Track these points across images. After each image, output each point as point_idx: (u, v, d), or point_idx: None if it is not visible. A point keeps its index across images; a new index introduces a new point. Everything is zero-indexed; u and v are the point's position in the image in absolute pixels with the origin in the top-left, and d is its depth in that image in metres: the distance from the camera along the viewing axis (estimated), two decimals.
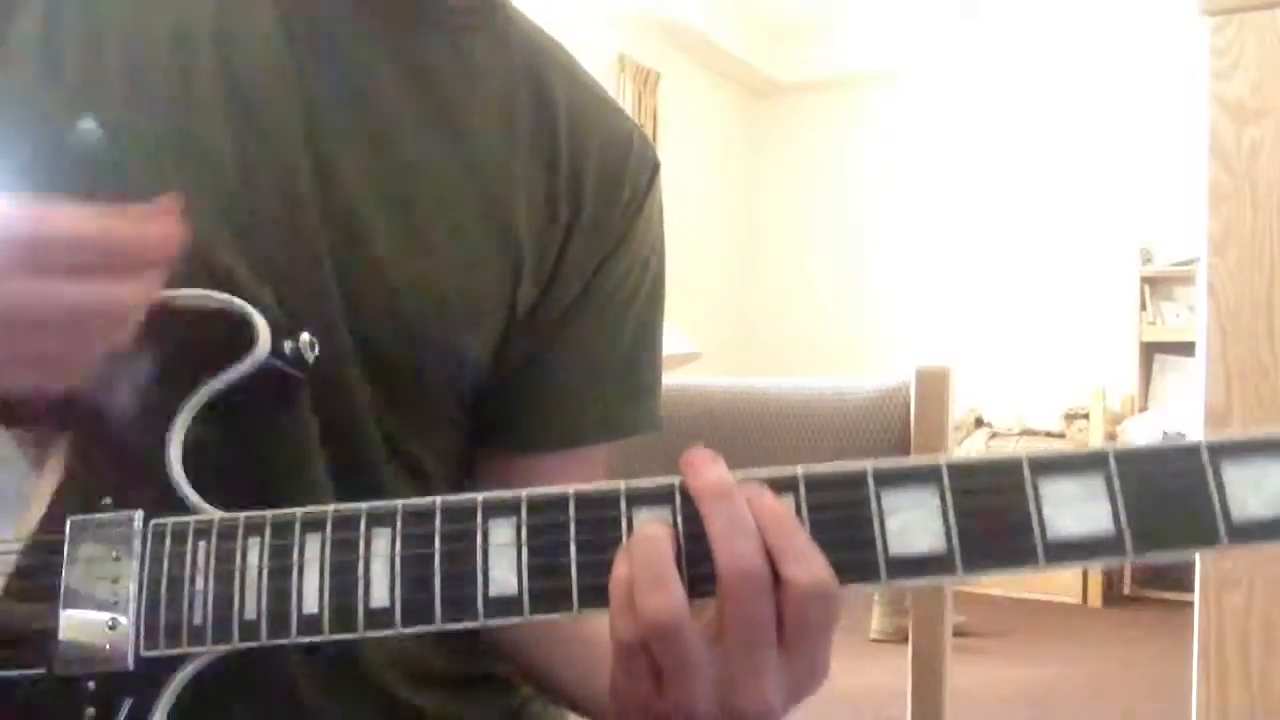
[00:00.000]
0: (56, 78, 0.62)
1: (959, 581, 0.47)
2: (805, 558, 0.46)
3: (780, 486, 0.48)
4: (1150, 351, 5.15)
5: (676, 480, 0.48)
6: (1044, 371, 5.39)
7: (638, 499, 0.48)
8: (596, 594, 0.47)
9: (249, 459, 0.60)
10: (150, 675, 0.51)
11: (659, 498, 0.48)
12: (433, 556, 0.49)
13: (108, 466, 0.54)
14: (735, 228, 6.14)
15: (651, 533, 0.47)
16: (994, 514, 0.46)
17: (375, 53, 0.68)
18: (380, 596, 0.49)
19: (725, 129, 6.06)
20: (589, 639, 0.67)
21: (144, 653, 0.51)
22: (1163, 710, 3.04)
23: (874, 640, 3.82)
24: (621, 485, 0.48)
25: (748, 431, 1.00)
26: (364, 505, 0.50)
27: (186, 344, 0.55)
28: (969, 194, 5.72)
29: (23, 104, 0.62)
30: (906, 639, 0.98)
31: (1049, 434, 4.98)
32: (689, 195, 5.40)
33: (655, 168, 0.78)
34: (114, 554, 0.52)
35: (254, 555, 0.51)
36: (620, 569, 0.46)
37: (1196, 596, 1.26)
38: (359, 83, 0.67)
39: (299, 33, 0.66)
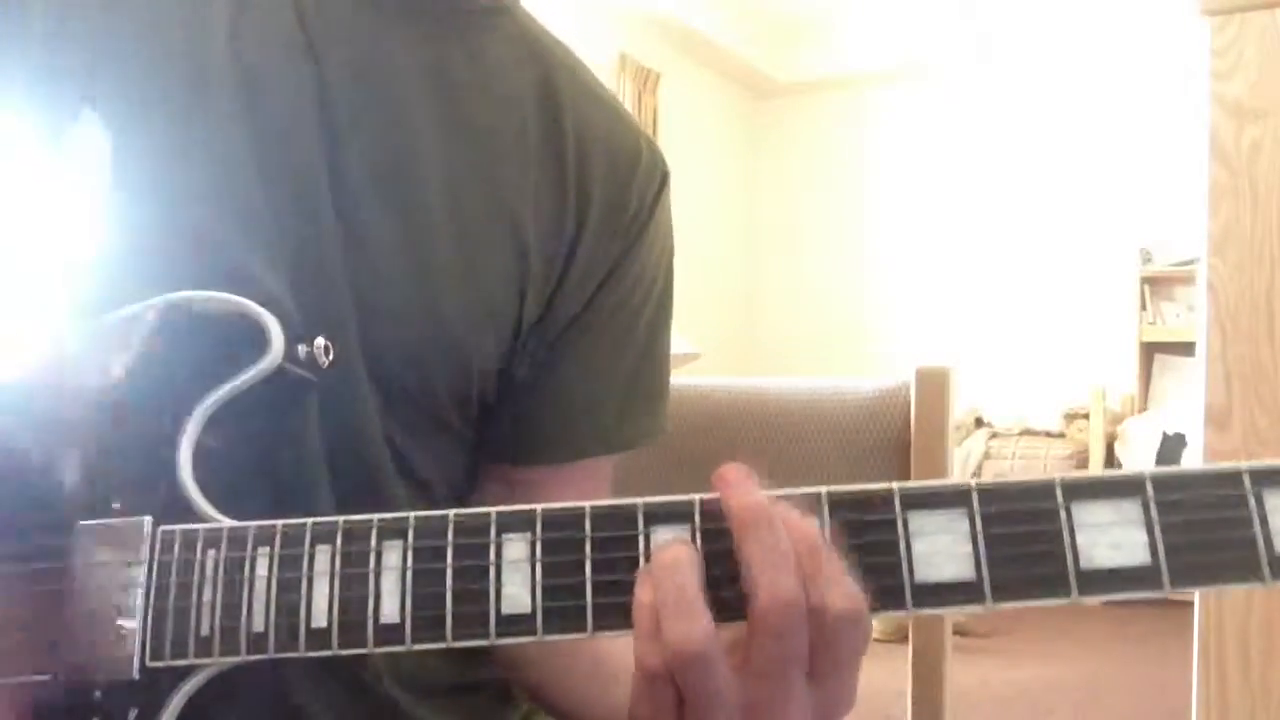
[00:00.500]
0: (64, 74, 0.62)
1: (987, 612, 0.44)
2: (840, 584, 0.44)
3: (804, 507, 0.46)
4: (1150, 351, 5.15)
5: (696, 498, 0.46)
6: (1044, 371, 5.39)
7: (656, 517, 0.46)
8: (612, 614, 0.45)
9: (259, 465, 0.60)
10: (156, 685, 0.50)
11: (677, 516, 0.46)
12: (445, 571, 0.47)
13: (118, 472, 0.54)
14: (735, 228, 6.14)
15: (677, 556, 0.45)
16: (1025, 542, 0.44)
17: (391, 53, 0.67)
18: (390, 611, 0.47)
19: (725, 129, 6.05)
20: (590, 654, 0.67)
21: (150, 663, 0.50)
22: (1163, 710, 3.04)
23: (874, 640, 3.81)
24: (639, 503, 0.46)
25: (748, 431, 1.00)
26: (375, 517, 0.49)
27: (199, 348, 0.55)
28: (969, 194, 5.72)
29: (29, 100, 0.62)
30: (906, 639, 0.98)
31: (1049, 434, 4.98)
32: (689, 195, 5.39)
33: (664, 178, 0.77)
34: (123, 560, 0.51)
35: (263, 566, 0.49)
36: (644, 594, 0.45)
37: (1196, 596, 1.26)
38: (373, 84, 0.66)
39: (315, 34, 0.65)
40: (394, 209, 0.65)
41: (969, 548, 0.44)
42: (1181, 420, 4.45)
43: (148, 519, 0.52)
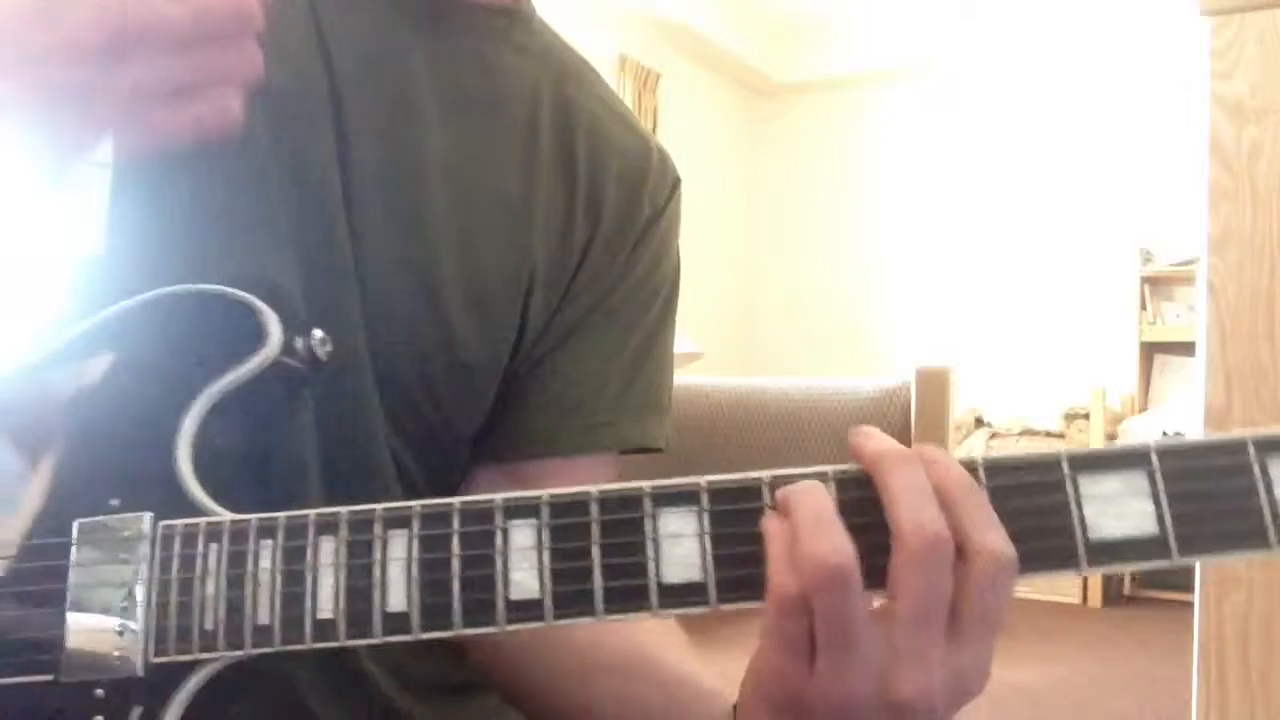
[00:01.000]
0: None
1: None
2: (992, 528, 0.43)
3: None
4: (1150, 351, 5.15)
5: (702, 480, 0.46)
6: (1044, 371, 5.39)
7: (662, 499, 0.46)
8: (621, 597, 0.46)
9: (254, 459, 0.60)
10: (160, 682, 0.49)
11: (684, 498, 0.46)
12: (451, 559, 0.47)
13: (116, 467, 0.53)
14: (735, 228, 6.14)
15: (809, 484, 0.44)
16: (1033, 515, 0.44)
17: (406, 61, 0.67)
18: (397, 601, 0.47)
19: (725, 129, 6.05)
20: (574, 649, 0.66)
21: (154, 659, 0.49)
22: (1163, 710, 3.04)
23: None
24: (645, 486, 0.46)
25: (748, 431, 1.00)
26: (379, 507, 0.49)
27: (196, 342, 0.55)
28: (969, 194, 5.72)
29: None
30: None
31: (1049, 434, 4.98)
32: (689, 195, 5.38)
33: (675, 184, 0.77)
34: (123, 557, 0.51)
35: (266, 558, 0.49)
36: (774, 524, 0.43)
37: (1196, 596, 1.26)
38: (388, 91, 0.66)
39: (332, 40, 0.66)
40: (402, 211, 0.66)
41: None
42: (1181, 420, 4.45)
43: (148, 515, 0.51)
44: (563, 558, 0.46)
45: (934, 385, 0.95)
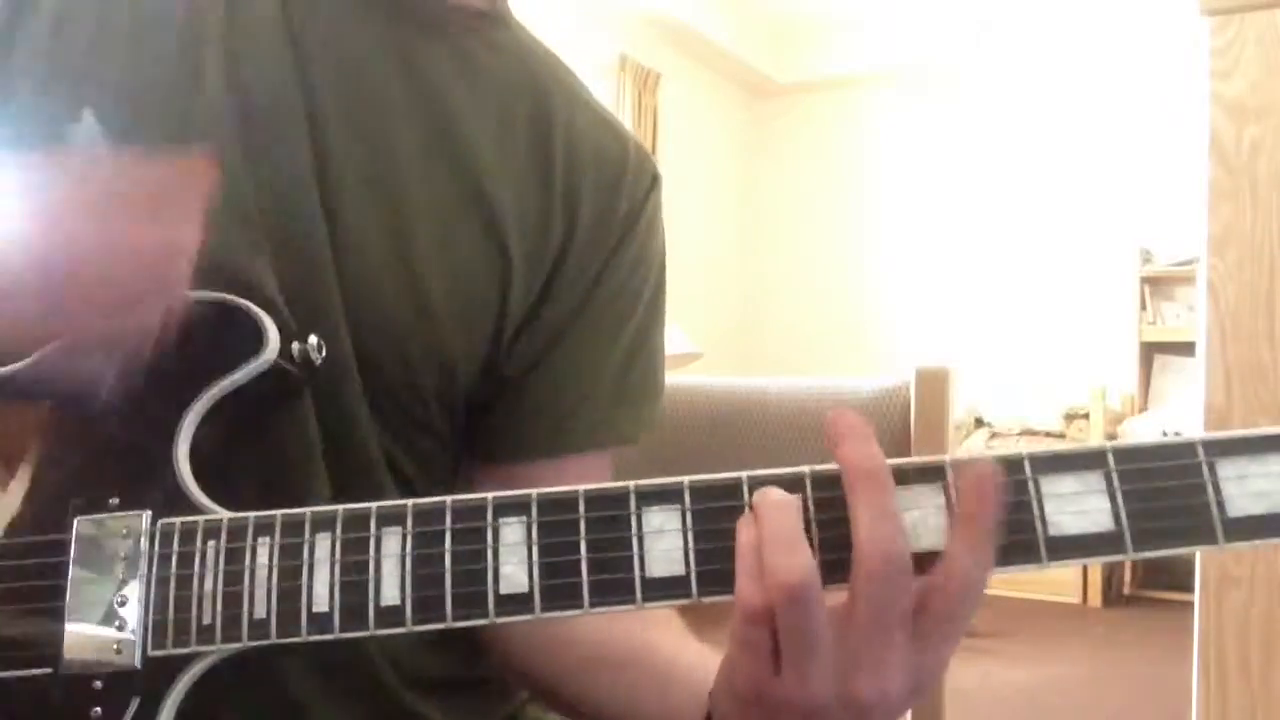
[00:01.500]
0: (61, 81, 0.63)
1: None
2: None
3: (788, 487, 0.47)
4: (1150, 351, 5.15)
5: (685, 480, 0.48)
6: (1044, 371, 5.39)
7: (647, 497, 0.48)
8: (607, 590, 0.48)
9: (254, 460, 0.61)
10: (158, 675, 0.51)
11: (668, 496, 0.48)
12: (443, 555, 0.49)
13: (116, 466, 0.54)
14: (735, 228, 6.14)
15: (780, 499, 0.46)
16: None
17: (379, 61, 0.68)
18: (391, 594, 0.49)
19: (725, 129, 6.05)
20: (589, 641, 0.67)
21: (152, 652, 0.51)
22: (1163, 710, 3.04)
23: None
24: (630, 485, 0.49)
25: (748, 431, 1.00)
26: (374, 505, 0.50)
27: (195, 345, 0.55)
28: (969, 194, 5.72)
29: (28, 107, 0.62)
30: None
31: (1049, 434, 4.98)
32: (689, 195, 5.40)
33: (654, 180, 0.77)
34: (122, 553, 0.52)
35: (264, 554, 0.51)
36: (746, 534, 0.46)
37: (1196, 596, 1.26)
38: (362, 91, 0.67)
39: (305, 41, 0.66)
40: (379, 209, 0.66)
41: (944, 520, 0.47)
42: (1181, 420, 4.45)
43: (146, 513, 0.52)
44: (551, 553, 0.48)
45: (934, 385, 0.95)
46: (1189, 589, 1.27)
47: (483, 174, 0.69)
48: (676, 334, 4.50)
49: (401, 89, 0.68)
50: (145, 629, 0.51)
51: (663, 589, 0.47)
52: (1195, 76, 1.30)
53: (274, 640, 0.50)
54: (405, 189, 0.67)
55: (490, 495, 0.49)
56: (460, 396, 0.70)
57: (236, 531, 0.51)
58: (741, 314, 6.12)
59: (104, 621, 0.51)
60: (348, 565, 0.50)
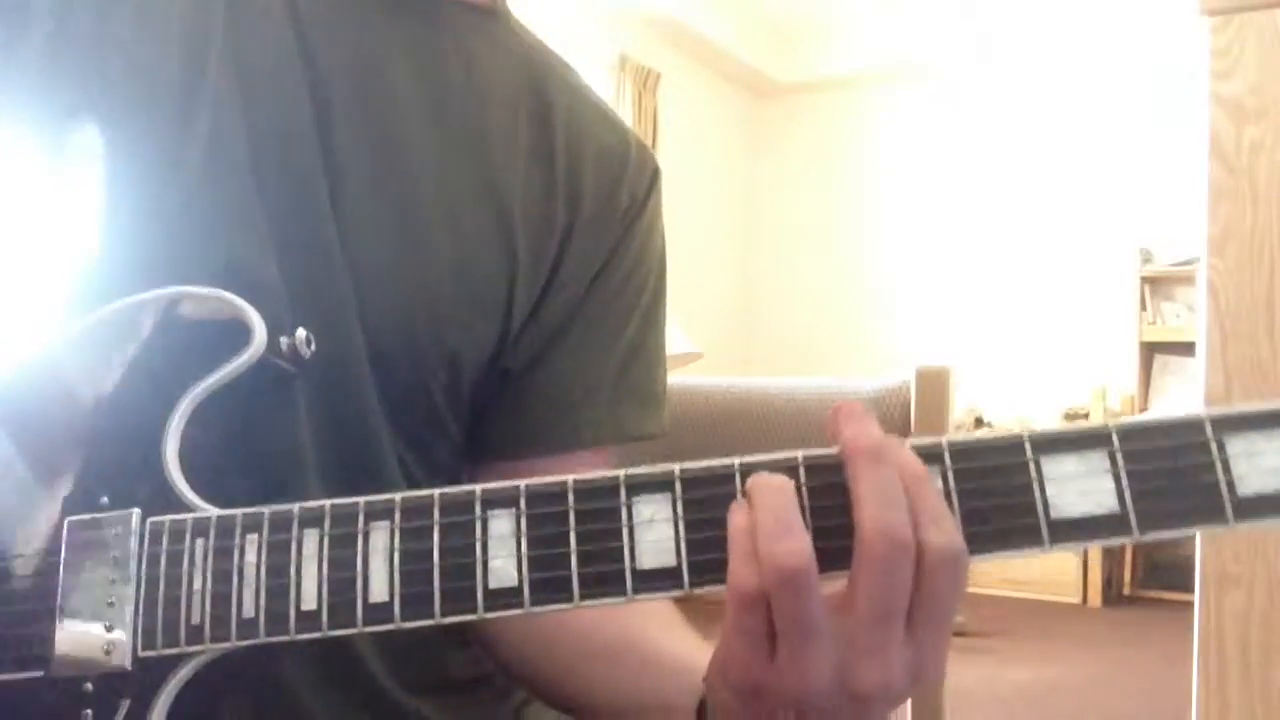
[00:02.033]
0: (64, 74, 0.62)
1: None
2: (941, 521, 0.44)
3: (780, 472, 0.46)
4: (1150, 351, 5.15)
5: (676, 468, 0.47)
6: (1044, 371, 5.39)
7: (637, 487, 0.47)
8: (597, 583, 0.47)
9: (246, 456, 0.60)
10: (148, 675, 0.50)
11: (658, 486, 0.47)
12: (431, 550, 0.48)
13: (105, 466, 0.54)
14: (735, 228, 6.14)
15: (775, 481, 0.45)
16: (998, 495, 0.45)
17: (386, 53, 0.68)
18: (379, 591, 0.48)
19: (725, 129, 6.05)
20: (576, 631, 0.67)
21: (142, 653, 0.50)
22: (1163, 710, 3.04)
23: None
24: (620, 474, 0.48)
25: (748, 431, 1.00)
26: (361, 500, 0.50)
27: (183, 342, 0.55)
28: (969, 194, 5.72)
29: (28, 108, 0.62)
30: None
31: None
32: (689, 195, 5.40)
33: (655, 174, 0.78)
34: (112, 554, 0.52)
35: (252, 552, 0.50)
36: (739, 518, 0.45)
37: (1196, 596, 1.26)
38: (369, 83, 0.67)
39: (309, 29, 0.66)
40: (387, 203, 0.66)
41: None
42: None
43: (136, 511, 0.52)
44: (540, 545, 0.47)
45: (934, 385, 0.95)
46: (1189, 589, 1.27)
47: (490, 167, 0.70)
48: (676, 334, 4.50)
49: (409, 83, 0.68)
50: (135, 630, 0.50)
51: (653, 580, 0.46)
52: (1195, 76, 1.30)
53: (262, 640, 0.49)
54: (414, 182, 0.67)
55: (478, 487, 0.49)
56: (467, 393, 0.70)
57: (225, 529, 0.51)
58: (741, 314, 6.12)
59: (94, 622, 0.51)
60: (335, 561, 0.49)
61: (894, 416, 0.95)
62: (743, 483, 0.46)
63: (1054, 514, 0.45)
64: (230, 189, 0.62)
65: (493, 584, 0.47)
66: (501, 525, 0.48)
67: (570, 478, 0.48)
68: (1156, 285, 5.12)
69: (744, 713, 0.47)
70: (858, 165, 6.03)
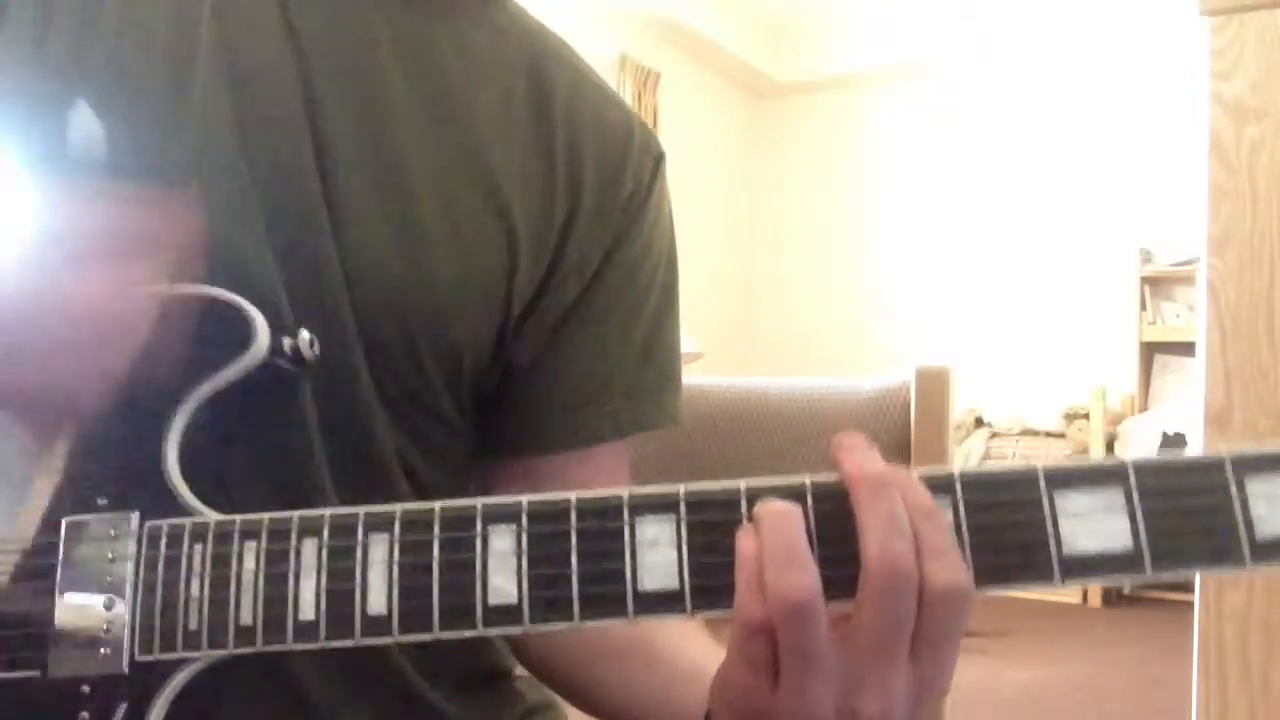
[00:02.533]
0: (48, 64, 0.62)
1: (972, 598, 0.45)
2: (944, 557, 0.44)
3: (787, 497, 0.46)
4: (1150, 351, 5.15)
5: (681, 489, 0.47)
6: (1044, 371, 5.39)
7: (640, 507, 0.47)
8: (599, 604, 0.46)
9: (249, 459, 0.60)
10: (145, 679, 0.50)
11: (662, 506, 0.47)
12: (431, 564, 0.47)
13: (104, 466, 0.54)
14: (735, 228, 6.14)
15: (783, 509, 0.45)
16: (1010, 529, 0.45)
17: (377, 43, 0.67)
18: (378, 603, 0.48)
19: (725, 129, 6.05)
20: (585, 634, 0.67)
21: (139, 656, 0.50)
22: (1163, 710, 3.04)
23: None
24: (624, 493, 0.47)
25: (748, 431, 1.00)
26: (362, 510, 0.49)
27: (185, 342, 0.54)
28: (969, 194, 5.72)
29: (14, 91, 0.62)
30: None
31: (1049, 434, 4.98)
32: (689, 195, 5.40)
33: (659, 158, 0.76)
34: (109, 556, 0.51)
35: (250, 560, 0.50)
36: (748, 545, 0.44)
37: (1196, 596, 1.26)
38: (359, 73, 0.66)
39: (298, 19, 0.65)
40: (381, 194, 0.65)
41: (952, 536, 0.45)
42: (1181, 420, 4.45)
43: (135, 514, 0.52)
44: (541, 564, 0.47)
45: (934, 385, 0.95)
46: (1189, 589, 1.27)
47: (486, 155, 0.69)
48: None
49: (401, 73, 0.67)
50: (132, 633, 0.50)
51: (655, 603, 0.46)
52: (1195, 76, 1.29)
53: (260, 648, 0.49)
54: (408, 173, 0.66)
55: (480, 502, 0.48)
56: (468, 385, 0.69)
57: (222, 535, 0.50)
58: (742, 314, 6.12)
59: (91, 624, 0.50)
60: (334, 572, 0.48)
61: (894, 416, 0.95)
62: (749, 507, 0.46)
63: (1066, 550, 0.44)
64: (221, 186, 0.61)
65: (492, 601, 0.47)
66: (502, 542, 0.47)
67: (573, 495, 0.47)
68: (1156, 285, 5.12)
69: None
70: (858, 165, 6.02)
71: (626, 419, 0.73)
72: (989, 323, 5.60)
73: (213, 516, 0.52)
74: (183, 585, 0.50)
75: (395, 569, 0.48)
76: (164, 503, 0.52)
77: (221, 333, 0.54)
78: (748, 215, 6.25)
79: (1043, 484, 0.45)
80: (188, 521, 0.51)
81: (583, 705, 0.72)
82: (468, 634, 0.47)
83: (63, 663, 0.50)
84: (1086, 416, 4.80)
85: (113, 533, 0.52)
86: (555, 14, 0.80)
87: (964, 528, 0.45)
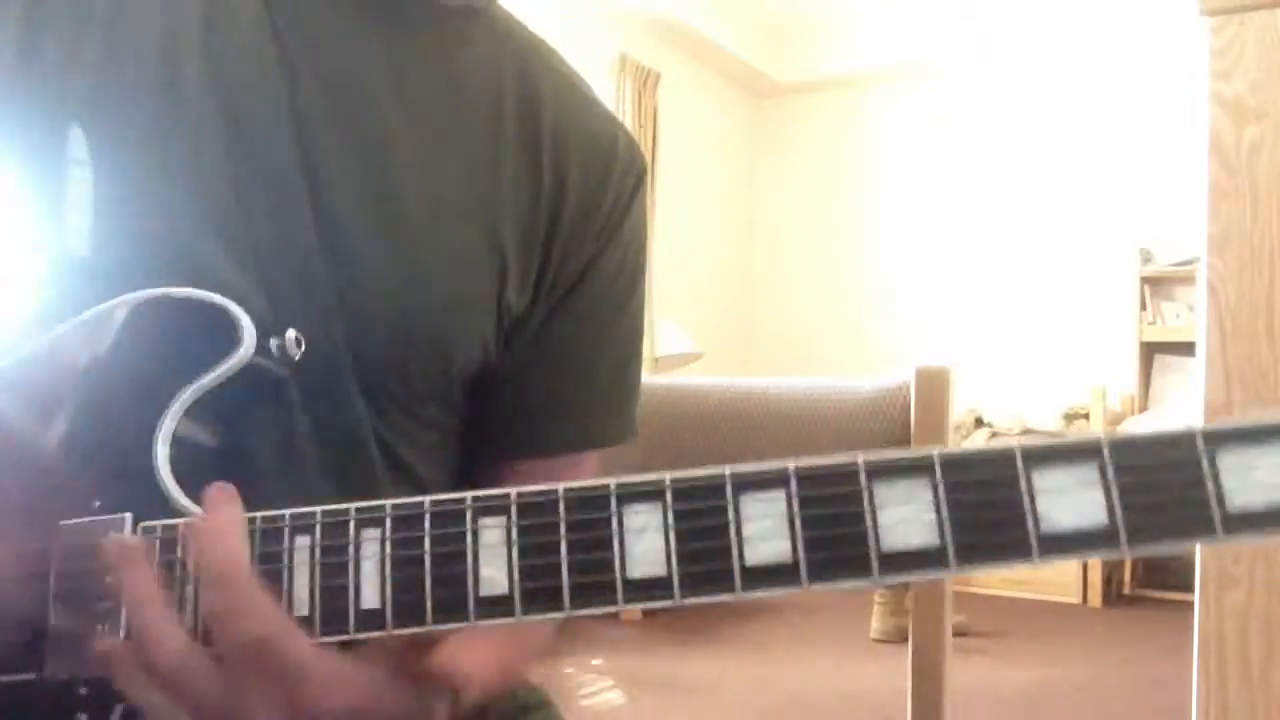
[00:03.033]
0: (36, 93, 0.62)
1: (952, 575, 0.45)
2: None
3: (771, 482, 0.47)
4: (1150, 351, 5.15)
5: (667, 476, 0.47)
6: (1044, 371, 5.39)
7: (627, 496, 0.47)
8: (588, 592, 0.47)
9: (237, 459, 0.60)
10: None
11: (649, 495, 0.47)
12: (423, 557, 0.48)
13: (97, 470, 0.54)
14: (735, 228, 6.14)
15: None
16: (988, 508, 0.45)
17: (364, 55, 0.67)
18: (370, 598, 0.48)
19: (725, 129, 6.05)
20: None
21: None
22: (1163, 710, 3.04)
23: (874, 640, 3.82)
24: (611, 483, 0.48)
25: (748, 431, 1.00)
26: (353, 506, 0.50)
27: (172, 344, 0.55)
28: (969, 194, 5.72)
29: (12, 118, 0.62)
30: (906, 639, 0.98)
31: (1049, 434, 4.98)
32: (689, 195, 5.40)
33: (641, 172, 0.77)
34: (104, 557, 0.51)
35: None
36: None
37: (1196, 596, 1.26)
38: (348, 85, 0.66)
39: (287, 34, 0.66)
40: (369, 205, 0.66)
41: (933, 515, 0.45)
42: (1181, 420, 4.45)
43: (128, 516, 0.52)
44: (531, 554, 0.47)
45: (934, 385, 0.95)
46: (1189, 589, 1.27)
47: (474, 166, 0.69)
48: (677, 334, 4.50)
49: (389, 85, 0.68)
50: (129, 634, 0.50)
51: (644, 590, 0.46)
52: (1195, 76, 1.29)
53: None
54: (396, 184, 0.67)
55: (469, 495, 0.49)
56: (457, 392, 0.70)
57: None
58: (741, 314, 6.12)
59: (87, 627, 0.51)
60: (327, 568, 0.49)
61: (894, 416, 0.95)
62: (734, 492, 0.46)
63: (1044, 527, 0.45)
64: (210, 204, 0.62)
65: (484, 592, 0.47)
66: (492, 534, 0.48)
67: (561, 485, 0.48)
68: (1156, 285, 5.12)
69: None
70: (858, 165, 6.03)
71: (598, 432, 0.74)
72: (989, 323, 5.60)
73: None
74: (177, 585, 0.50)
75: (388, 563, 0.48)
76: (157, 504, 0.52)
77: (209, 335, 0.55)
78: (747, 215, 6.25)
79: (1020, 462, 0.45)
80: (180, 522, 0.52)
81: None
82: (461, 625, 0.48)
83: (58, 664, 0.51)
84: (1086, 416, 4.80)
85: (107, 535, 0.52)
86: (555, 14, 0.80)
87: (943, 506, 0.45)
